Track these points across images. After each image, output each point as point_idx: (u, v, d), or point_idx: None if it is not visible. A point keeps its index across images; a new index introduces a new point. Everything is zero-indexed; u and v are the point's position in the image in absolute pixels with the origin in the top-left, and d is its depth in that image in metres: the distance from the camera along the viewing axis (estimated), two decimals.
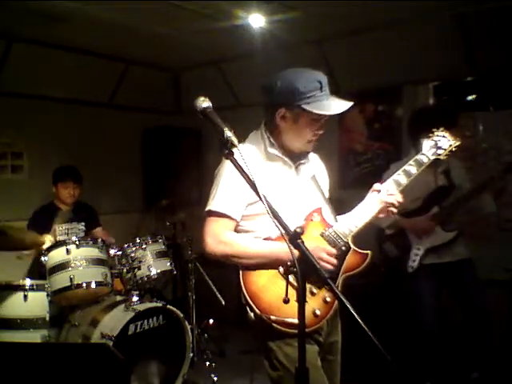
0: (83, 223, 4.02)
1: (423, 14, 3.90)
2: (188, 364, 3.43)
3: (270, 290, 1.93)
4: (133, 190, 5.64)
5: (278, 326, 1.89)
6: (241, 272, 1.98)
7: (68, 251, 3.26)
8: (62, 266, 3.24)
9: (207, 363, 3.88)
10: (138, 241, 3.63)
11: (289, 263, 1.90)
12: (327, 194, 2.22)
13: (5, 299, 3.20)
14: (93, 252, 3.35)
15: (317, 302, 1.96)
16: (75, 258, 3.26)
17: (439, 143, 2.23)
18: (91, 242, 3.39)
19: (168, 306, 3.37)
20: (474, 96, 4.41)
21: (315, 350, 1.99)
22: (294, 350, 1.57)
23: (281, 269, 1.95)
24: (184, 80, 5.93)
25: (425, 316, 3.25)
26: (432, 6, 3.73)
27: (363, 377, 3.48)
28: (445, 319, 3.32)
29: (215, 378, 3.68)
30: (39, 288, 3.26)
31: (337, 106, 1.96)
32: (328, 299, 1.98)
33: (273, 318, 1.88)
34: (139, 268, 3.54)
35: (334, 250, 1.96)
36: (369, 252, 2.05)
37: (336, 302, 1.97)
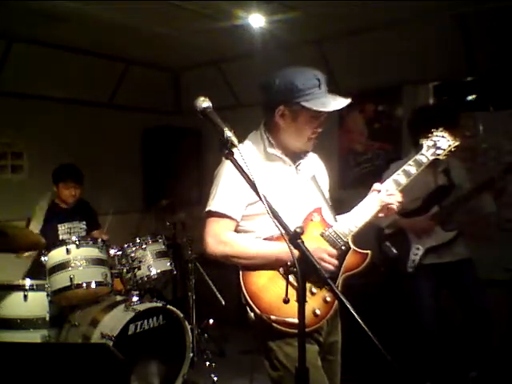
0: (84, 222, 4.03)
1: (423, 13, 3.89)
2: (188, 364, 3.43)
3: (270, 290, 1.93)
4: (133, 190, 5.63)
5: (278, 326, 1.89)
6: (241, 272, 1.97)
7: (68, 251, 3.27)
8: (61, 266, 3.25)
9: (207, 363, 3.88)
10: (138, 241, 3.63)
11: (289, 263, 1.90)
12: (327, 194, 2.21)
13: (5, 299, 3.21)
14: (93, 252, 3.35)
15: (317, 301, 1.96)
16: (75, 257, 3.27)
17: (438, 143, 2.23)
18: (91, 242, 3.39)
19: (168, 306, 3.37)
20: (474, 96, 4.41)
21: (315, 349, 1.99)
22: (294, 350, 1.58)
23: (281, 269, 1.95)
24: (184, 80, 5.93)
25: (424, 316, 3.25)
26: (432, 6, 3.73)
27: (363, 377, 3.47)
28: (444, 319, 3.32)
29: (215, 378, 3.68)
30: (39, 288, 3.27)
31: (335, 102, 1.97)
32: (328, 299, 1.98)
33: (273, 317, 1.88)
34: (139, 268, 3.54)
35: (334, 251, 1.97)
36: (369, 252, 2.05)
37: (336, 301, 1.97)
